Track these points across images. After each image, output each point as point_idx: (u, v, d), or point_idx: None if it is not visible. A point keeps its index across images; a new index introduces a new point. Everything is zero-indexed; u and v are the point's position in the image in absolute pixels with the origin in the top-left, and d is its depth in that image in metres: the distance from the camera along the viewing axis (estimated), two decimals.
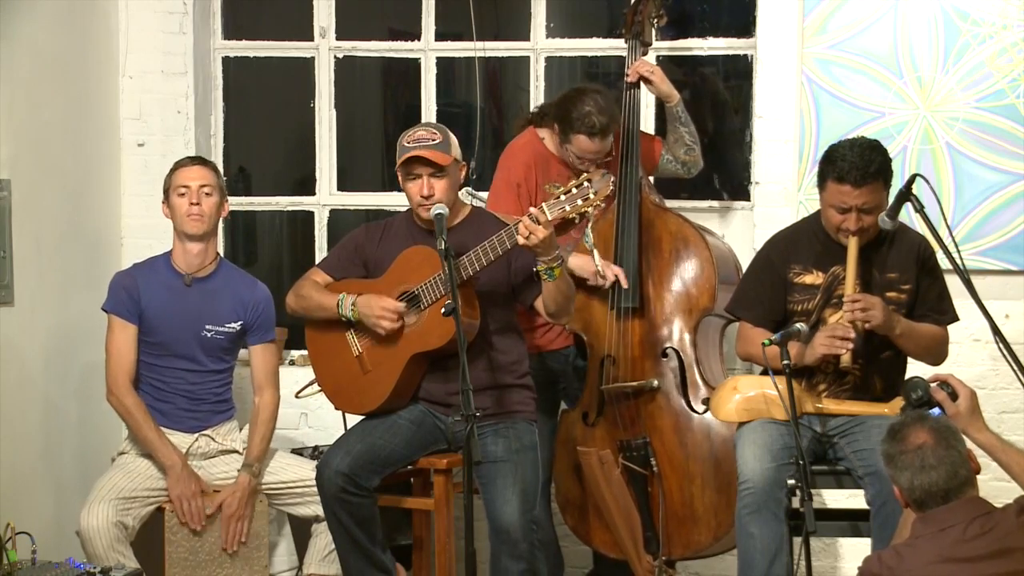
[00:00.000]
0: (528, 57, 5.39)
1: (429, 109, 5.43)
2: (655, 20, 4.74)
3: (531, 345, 4.38)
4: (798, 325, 3.87)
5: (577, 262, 4.44)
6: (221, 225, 4.54)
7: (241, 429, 4.44)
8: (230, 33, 5.55)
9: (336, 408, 4.32)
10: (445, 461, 4.19)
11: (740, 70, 5.31)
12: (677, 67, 5.31)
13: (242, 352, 4.49)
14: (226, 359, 4.41)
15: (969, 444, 3.14)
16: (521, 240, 3.71)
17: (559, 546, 4.75)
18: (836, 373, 4.01)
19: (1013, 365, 3.52)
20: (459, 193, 4.13)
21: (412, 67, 5.48)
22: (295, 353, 5.38)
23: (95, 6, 5.18)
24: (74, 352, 4.85)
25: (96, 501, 4.08)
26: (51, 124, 4.84)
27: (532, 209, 3.71)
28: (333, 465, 3.98)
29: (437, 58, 5.44)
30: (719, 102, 5.45)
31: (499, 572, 3.93)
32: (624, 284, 4.47)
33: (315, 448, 4.84)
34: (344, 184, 5.57)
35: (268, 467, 4.33)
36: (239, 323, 4.36)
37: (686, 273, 4.52)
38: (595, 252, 4.41)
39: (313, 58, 5.51)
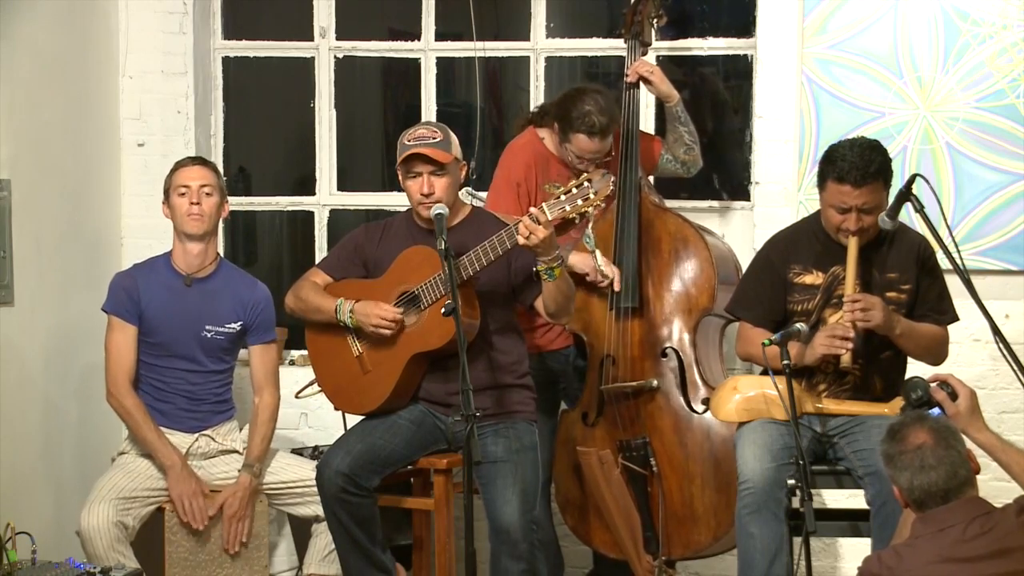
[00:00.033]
0: (528, 57, 5.39)
1: (429, 109, 5.43)
2: (654, 20, 4.74)
3: (531, 345, 4.37)
4: (798, 325, 3.87)
5: (577, 259, 4.44)
6: (221, 225, 4.54)
7: (241, 429, 4.44)
8: (230, 33, 5.55)
9: (336, 408, 4.32)
10: (445, 461, 4.19)
11: (740, 70, 5.31)
12: (677, 67, 5.31)
13: (242, 352, 4.49)
14: (226, 359, 4.41)
15: (969, 444, 3.14)
16: (521, 240, 3.71)
17: (559, 546, 4.75)
18: (836, 373, 4.00)
19: (1013, 365, 3.52)
20: (459, 193, 4.13)
21: (412, 67, 5.48)
22: (295, 353, 5.38)
23: (95, 6, 5.18)
24: (74, 352, 4.85)
25: (96, 501, 4.08)
26: (51, 124, 4.84)
27: (532, 209, 3.71)
28: (333, 465, 3.98)
29: (437, 58, 5.44)
30: (719, 102, 5.46)
31: (499, 572, 3.93)
32: (617, 287, 4.47)
33: (315, 448, 4.84)
34: (344, 184, 5.57)
35: (268, 467, 4.33)
36: (239, 323, 4.36)
37: (685, 273, 4.52)
38: (597, 253, 4.41)
39: (313, 58, 5.51)
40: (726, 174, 5.38)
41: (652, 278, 4.53)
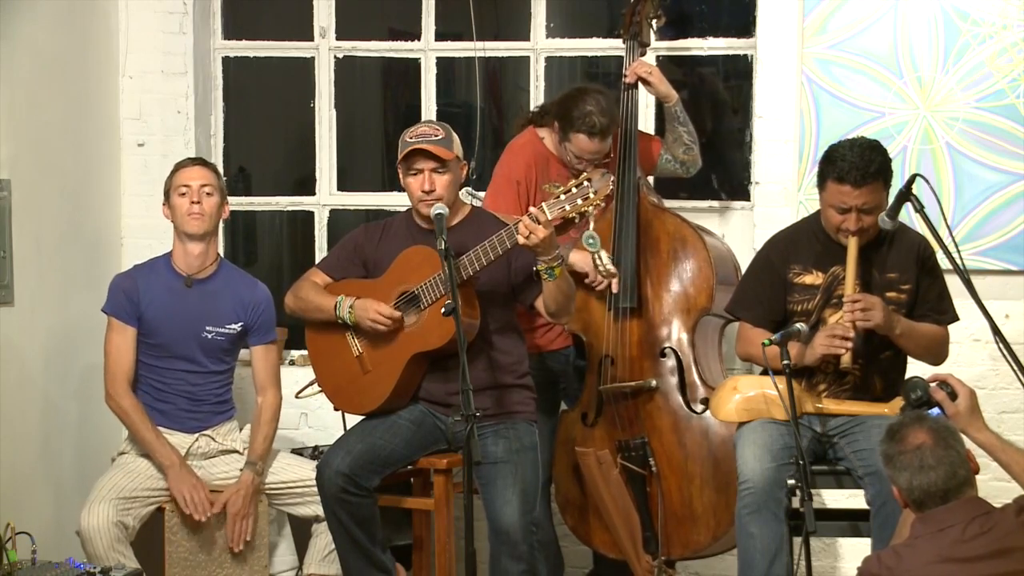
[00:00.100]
0: (528, 57, 5.39)
1: (429, 109, 5.43)
2: (653, 20, 4.74)
3: (531, 345, 4.37)
4: (798, 325, 3.87)
5: (577, 258, 4.44)
6: (221, 225, 4.54)
7: (241, 429, 4.44)
8: (230, 33, 5.55)
9: (336, 408, 4.32)
10: (445, 461, 4.19)
11: (740, 70, 5.31)
12: (677, 67, 5.31)
13: (243, 352, 4.49)
14: (226, 360, 4.41)
15: (969, 444, 3.14)
16: (521, 240, 3.71)
17: (559, 546, 4.75)
18: (836, 373, 4.00)
19: (1013, 365, 3.52)
20: (459, 193, 4.13)
21: (412, 67, 5.48)
22: (295, 353, 5.38)
23: (95, 6, 5.18)
24: (74, 352, 4.85)
25: (96, 501, 4.08)
26: (51, 124, 4.84)
27: (532, 209, 3.71)
28: (333, 465, 3.98)
29: (437, 58, 5.44)
30: (719, 102, 5.46)
31: (499, 572, 3.93)
32: (615, 289, 4.47)
33: (315, 448, 4.84)
34: (344, 184, 5.57)
35: (269, 467, 4.33)
36: (239, 324, 4.36)
37: (684, 273, 4.52)
38: (602, 253, 4.39)
39: (313, 58, 5.51)
40: (726, 174, 5.38)
41: (651, 278, 4.53)
